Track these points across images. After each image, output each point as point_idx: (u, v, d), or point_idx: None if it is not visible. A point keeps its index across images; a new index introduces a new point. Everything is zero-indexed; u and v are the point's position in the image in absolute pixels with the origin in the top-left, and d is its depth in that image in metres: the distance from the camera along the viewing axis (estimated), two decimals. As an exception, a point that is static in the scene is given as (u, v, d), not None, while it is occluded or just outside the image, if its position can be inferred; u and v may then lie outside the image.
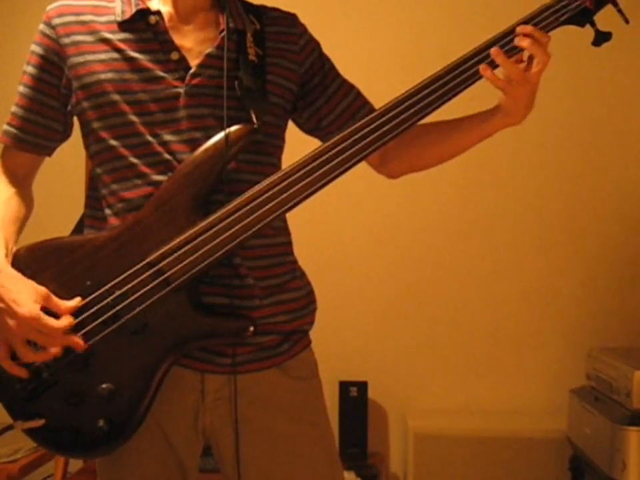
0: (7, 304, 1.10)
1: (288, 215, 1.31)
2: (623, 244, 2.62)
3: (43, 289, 1.13)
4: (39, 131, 1.27)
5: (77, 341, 1.12)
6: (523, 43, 1.13)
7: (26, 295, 1.11)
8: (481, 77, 1.16)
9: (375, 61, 2.64)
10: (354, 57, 2.63)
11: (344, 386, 2.54)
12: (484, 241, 2.66)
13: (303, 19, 1.36)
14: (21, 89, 1.26)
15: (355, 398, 2.54)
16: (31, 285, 1.13)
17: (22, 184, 1.30)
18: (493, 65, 1.15)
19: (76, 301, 1.14)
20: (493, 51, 1.14)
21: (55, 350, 1.12)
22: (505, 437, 2.43)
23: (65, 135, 1.31)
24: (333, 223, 2.67)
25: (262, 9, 1.32)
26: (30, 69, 1.25)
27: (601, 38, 1.18)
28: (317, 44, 1.34)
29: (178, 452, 1.23)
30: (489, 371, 2.65)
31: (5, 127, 1.28)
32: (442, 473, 2.45)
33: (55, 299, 1.13)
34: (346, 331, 2.65)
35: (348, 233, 2.68)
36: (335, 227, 2.67)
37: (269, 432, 1.23)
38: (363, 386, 2.55)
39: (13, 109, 1.27)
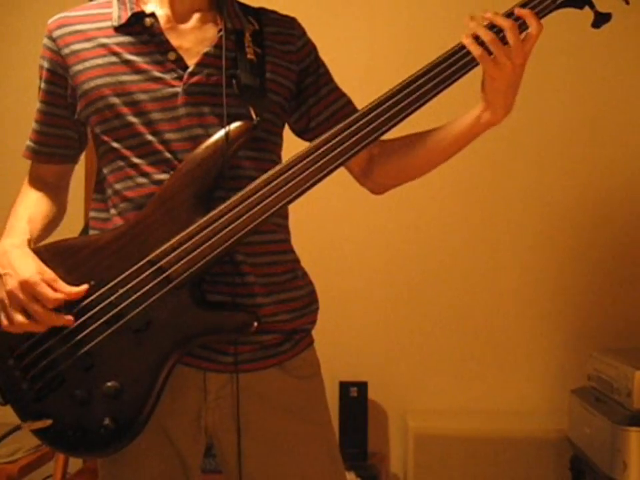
0: (13, 269, 1.14)
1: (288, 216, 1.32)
2: (623, 245, 2.62)
3: (51, 272, 1.15)
4: (54, 142, 1.31)
5: (67, 318, 1.14)
6: (504, 23, 1.12)
7: (33, 267, 1.14)
8: (470, 67, 1.15)
9: (375, 59, 2.64)
10: (353, 55, 2.64)
11: (344, 386, 2.54)
12: (484, 242, 2.66)
13: (303, 18, 1.36)
14: (38, 105, 1.31)
15: (355, 398, 2.54)
16: (41, 264, 1.16)
17: (53, 190, 1.35)
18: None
19: (83, 287, 1.15)
20: (472, 23, 1.13)
21: (43, 324, 1.13)
22: (505, 437, 2.43)
23: (82, 142, 1.34)
24: (333, 223, 2.67)
25: (261, 10, 1.33)
26: (41, 85, 1.29)
27: (601, 19, 1.16)
28: (314, 47, 1.35)
29: (181, 451, 1.23)
30: (489, 371, 2.65)
31: (27, 142, 1.33)
32: (442, 473, 2.45)
33: (61, 282, 1.15)
34: (346, 331, 2.65)
35: (348, 233, 2.68)
36: (335, 227, 2.67)
37: (270, 431, 1.23)
38: (363, 386, 2.55)
39: (33, 125, 1.32)
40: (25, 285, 1.12)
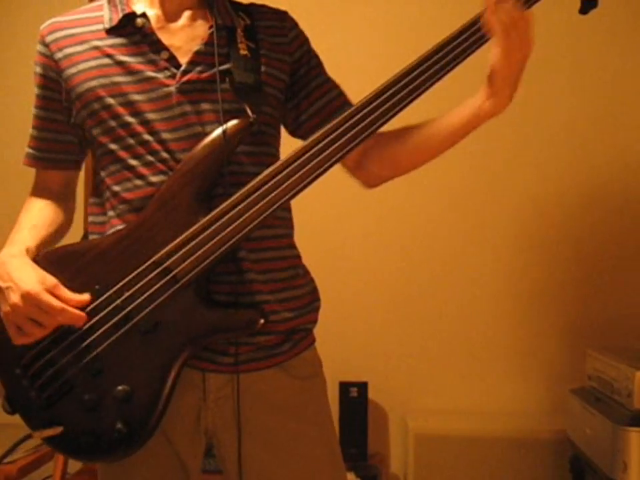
0: (13, 281, 1.13)
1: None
2: (623, 244, 2.62)
3: (52, 278, 1.14)
4: (54, 147, 1.31)
5: (78, 314, 1.13)
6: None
7: (33, 277, 1.13)
8: (478, 45, 1.13)
9: (374, 56, 2.63)
10: (353, 54, 2.64)
11: (344, 386, 2.54)
12: (483, 242, 2.66)
13: (302, 15, 1.36)
14: (33, 111, 1.31)
15: (355, 398, 2.54)
16: (41, 272, 1.15)
17: (60, 198, 1.34)
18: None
19: (85, 296, 1.15)
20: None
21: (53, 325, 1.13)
22: (506, 438, 2.43)
23: (83, 147, 1.33)
24: (334, 223, 2.66)
25: (251, 6, 1.33)
26: (36, 90, 1.29)
27: (587, 5, 1.16)
28: (306, 39, 1.35)
29: (180, 452, 1.23)
30: (489, 371, 2.65)
31: (26, 149, 1.33)
32: (442, 474, 2.45)
33: (63, 289, 1.14)
34: (346, 331, 2.65)
35: (349, 233, 2.68)
36: (336, 227, 2.67)
37: (270, 431, 1.23)
38: (363, 386, 2.55)
39: (30, 132, 1.32)
40: (28, 297, 1.11)
